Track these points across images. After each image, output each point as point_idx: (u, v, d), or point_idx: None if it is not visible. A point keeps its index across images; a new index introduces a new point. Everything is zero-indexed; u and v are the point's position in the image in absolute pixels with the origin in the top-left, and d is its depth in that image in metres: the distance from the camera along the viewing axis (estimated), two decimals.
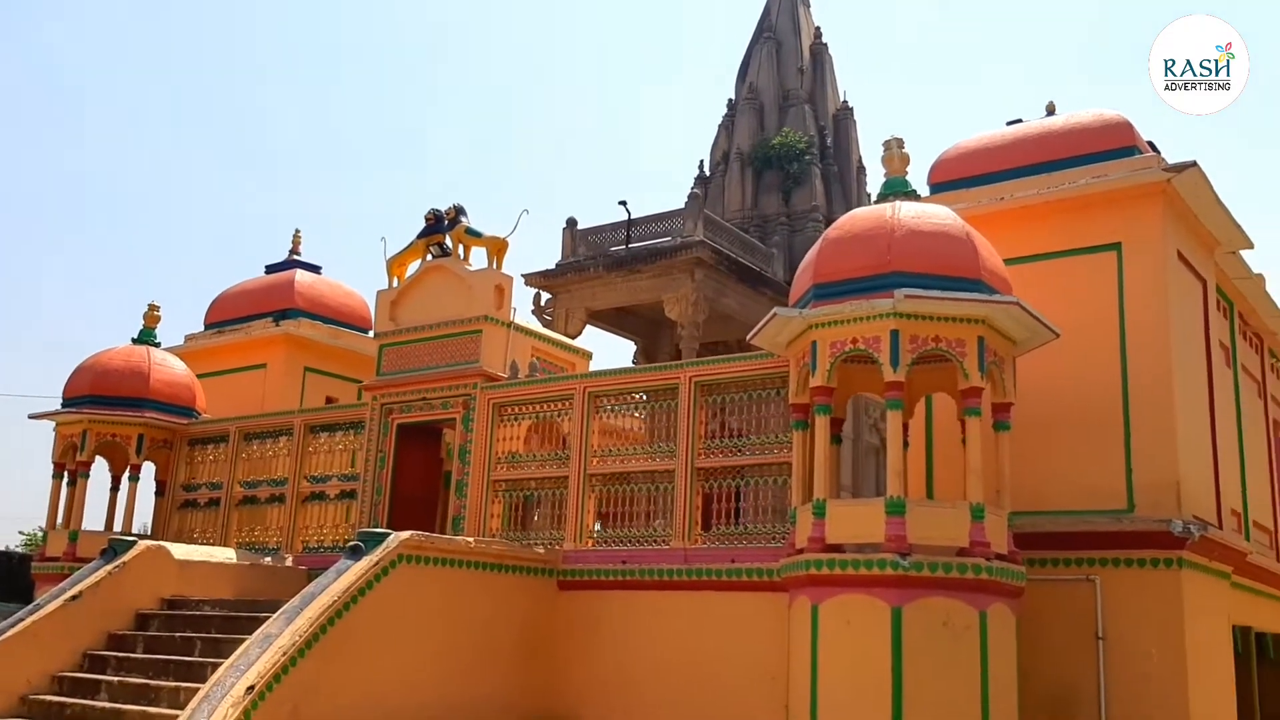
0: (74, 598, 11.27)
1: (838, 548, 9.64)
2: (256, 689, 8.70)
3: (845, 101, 28.16)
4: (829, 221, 23.89)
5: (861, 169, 27.37)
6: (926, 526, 9.45)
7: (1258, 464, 14.17)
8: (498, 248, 14.00)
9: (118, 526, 16.29)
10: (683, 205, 22.17)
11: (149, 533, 16.28)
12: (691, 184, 26.50)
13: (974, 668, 9.29)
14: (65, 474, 16.12)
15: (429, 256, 14.45)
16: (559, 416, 12.91)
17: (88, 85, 62.35)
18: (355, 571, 9.96)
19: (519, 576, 11.68)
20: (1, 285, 55.10)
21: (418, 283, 14.42)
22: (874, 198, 11.23)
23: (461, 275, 14.00)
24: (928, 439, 11.59)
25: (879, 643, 9.23)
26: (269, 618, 9.68)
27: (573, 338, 20.05)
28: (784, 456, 11.00)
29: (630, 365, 22.34)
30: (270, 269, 19.89)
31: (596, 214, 35.51)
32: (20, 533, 35.70)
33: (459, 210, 14.35)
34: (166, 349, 17.38)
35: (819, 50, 28.23)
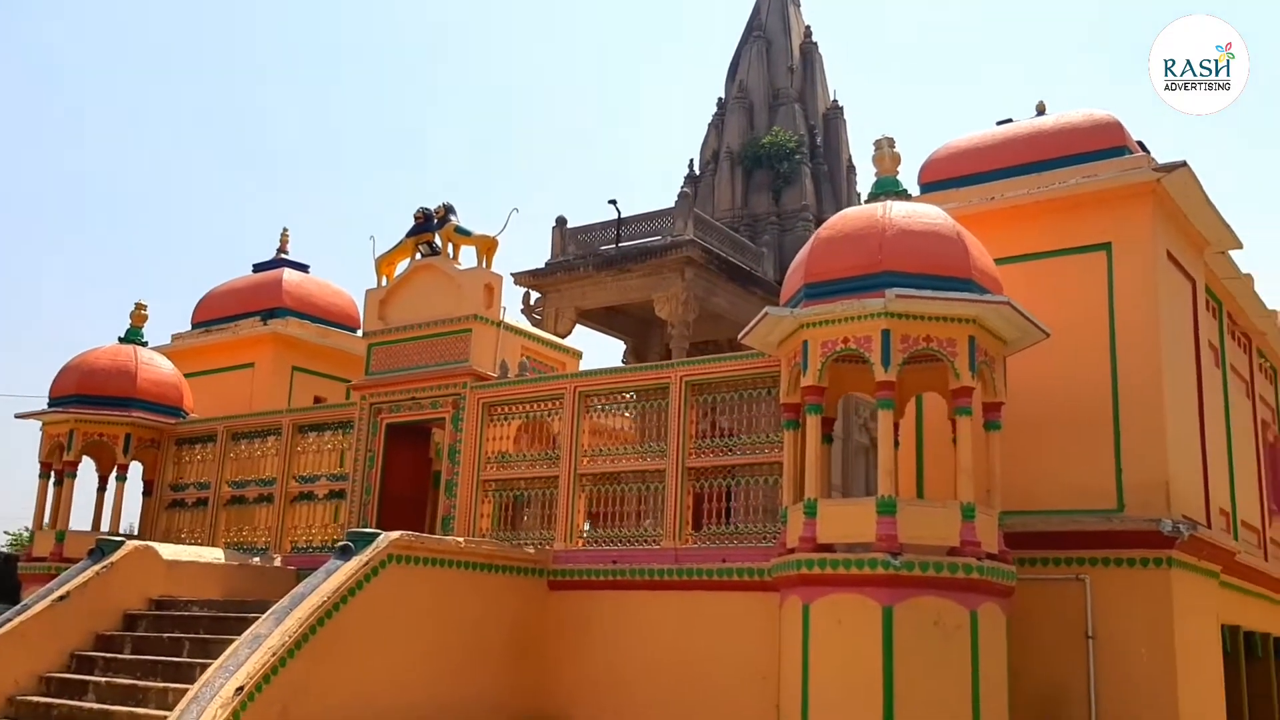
0: (62, 598, 11.21)
1: (829, 547, 9.64)
2: (246, 689, 8.66)
3: (835, 101, 28.18)
4: (819, 221, 23.89)
5: (851, 168, 27.38)
6: (917, 526, 9.45)
7: (1245, 464, 14.22)
8: (487, 246, 13.96)
9: (105, 526, 16.21)
10: (673, 204, 22.13)
11: (136, 533, 16.20)
12: (681, 183, 26.49)
13: (965, 667, 9.30)
14: (52, 474, 16.04)
15: (418, 255, 14.41)
16: (549, 416, 12.88)
17: (87, 85, 62.08)
18: (345, 572, 9.92)
19: (509, 576, 11.65)
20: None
21: (407, 282, 14.37)
22: (864, 197, 11.24)
23: (451, 274, 13.95)
24: (918, 438, 11.59)
25: (870, 642, 9.23)
26: (258, 618, 9.64)
27: (562, 337, 20.04)
28: (775, 456, 11.00)
29: (620, 365, 22.30)
30: (258, 268, 19.80)
31: (586, 213, 35.57)
32: (6, 533, 35.58)
33: (448, 209, 14.30)
34: (154, 348, 17.30)
35: (809, 49, 28.24)
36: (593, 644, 11.57)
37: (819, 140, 27.10)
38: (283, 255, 19.75)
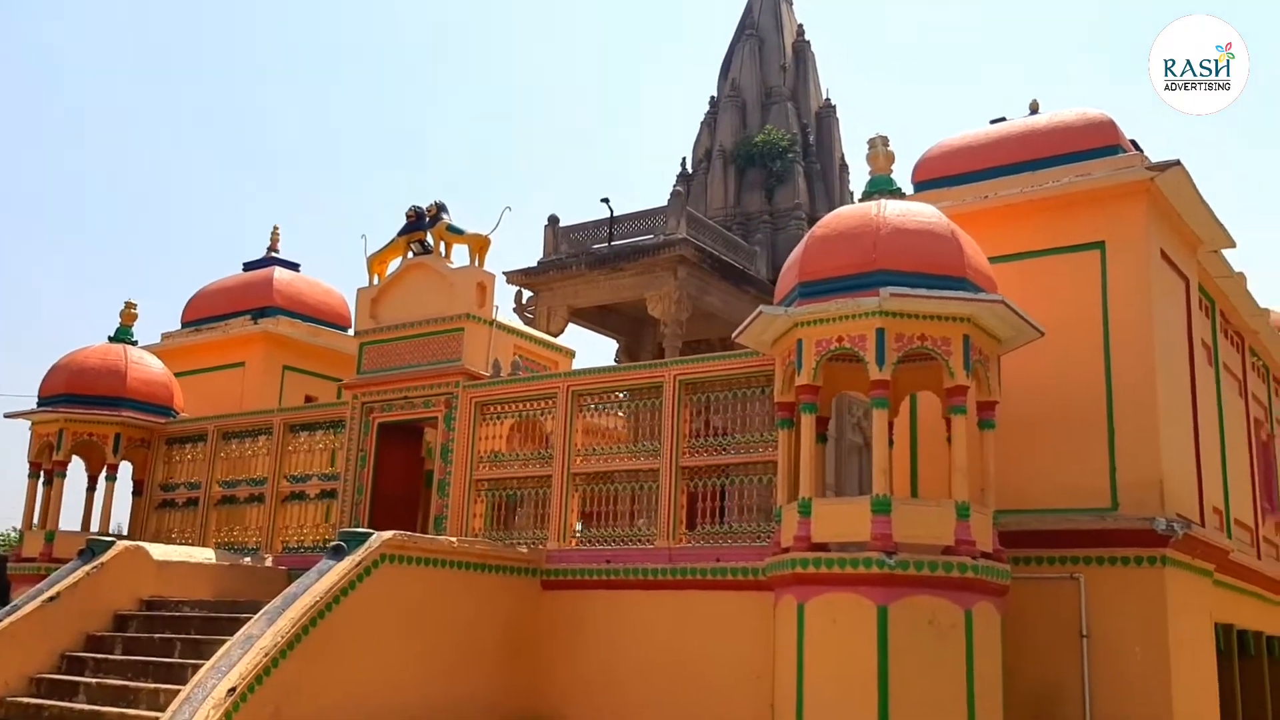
0: (52, 599, 11.14)
1: (823, 546, 9.62)
2: (238, 690, 8.61)
3: (828, 99, 28.17)
4: (812, 219, 23.92)
5: (844, 167, 27.37)
6: (912, 525, 9.44)
7: (1239, 462, 14.24)
8: (479, 245, 13.91)
9: (94, 527, 16.12)
10: (665, 203, 22.10)
11: (126, 533, 16.11)
12: (674, 181, 26.44)
13: (959, 666, 9.29)
14: (41, 474, 15.96)
15: (410, 254, 14.34)
16: (542, 415, 12.83)
17: (85, 85, 61.85)
18: (337, 571, 9.87)
19: (502, 576, 11.61)
20: None
21: (399, 280, 14.31)
22: (857, 196, 11.22)
23: (443, 273, 13.90)
24: (912, 437, 11.59)
25: (865, 641, 9.22)
26: (249, 618, 9.58)
27: (555, 336, 19.98)
28: (769, 455, 10.97)
29: (613, 364, 22.26)
30: (248, 266, 19.72)
31: (579, 212, 35.47)
32: None
33: (440, 207, 14.23)
34: (143, 347, 17.21)
35: (801, 48, 28.22)
36: (586, 644, 11.54)
37: (812, 139, 27.07)
38: (273, 254, 19.67)
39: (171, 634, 11.00)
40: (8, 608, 11.30)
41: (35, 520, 15.84)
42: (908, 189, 12.08)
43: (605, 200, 22.74)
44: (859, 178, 28.01)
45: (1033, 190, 11.66)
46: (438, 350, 13.59)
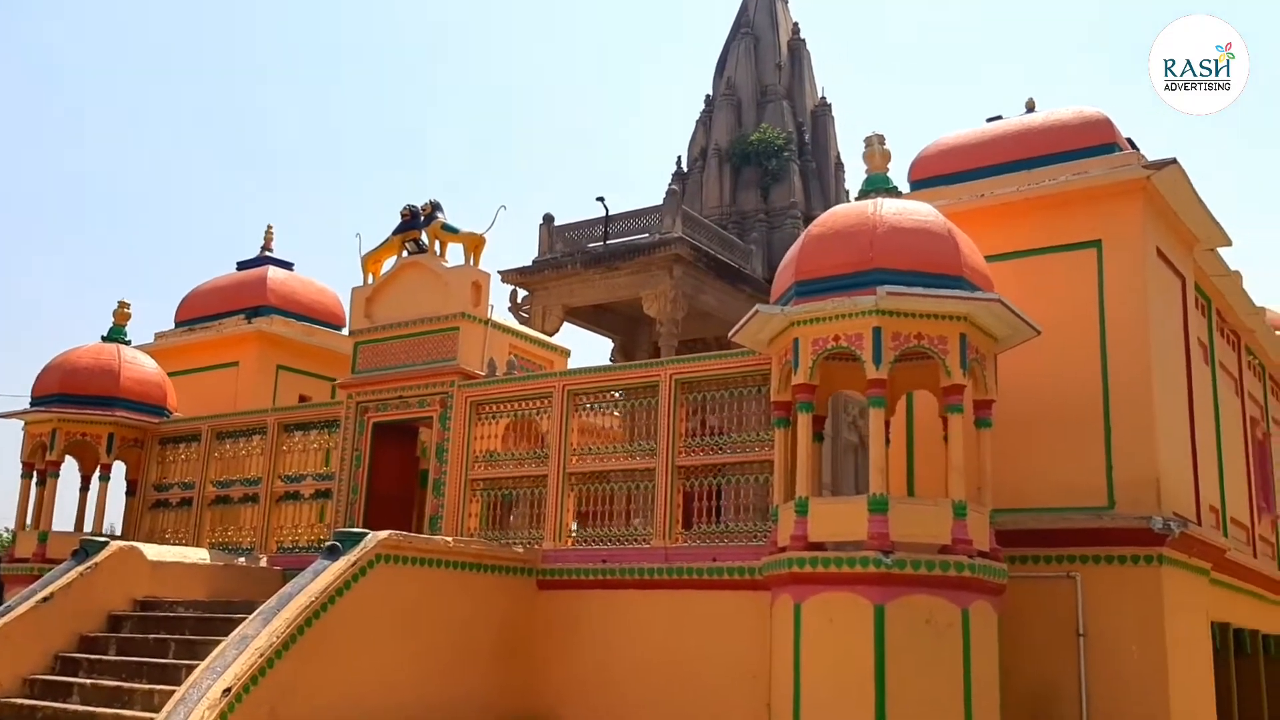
0: (45, 599, 11.09)
1: (820, 546, 9.60)
2: (233, 691, 8.58)
3: (823, 98, 28.10)
4: (808, 218, 23.86)
5: (840, 165, 27.31)
6: (909, 524, 9.42)
7: (1235, 461, 14.25)
8: (474, 244, 13.87)
9: (88, 527, 16.08)
10: (661, 202, 22.04)
11: (119, 533, 16.05)
12: (669, 180, 26.38)
13: (956, 665, 9.28)
14: (34, 474, 15.90)
15: (405, 253, 14.31)
16: (537, 415, 12.80)
17: (83, 84, 61.69)
18: (333, 571, 9.83)
19: (498, 576, 11.57)
20: None
21: (393, 279, 14.26)
22: (853, 195, 11.20)
23: (438, 272, 13.86)
24: (908, 436, 11.58)
25: (862, 641, 9.20)
26: (244, 619, 9.55)
27: (550, 335, 19.92)
28: (765, 454, 10.95)
29: (609, 363, 22.22)
30: (242, 265, 19.66)
31: (573, 211, 35.51)
32: None
33: (435, 206, 14.19)
34: (137, 347, 17.16)
35: (797, 46, 28.15)
36: (582, 643, 11.51)
37: (807, 137, 27.01)
38: (267, 253, 19.62)
39: (166, 634, 10.95)
40: (1, 608, 11.24)
41: (29, 521, 15.77)
42: (904, 188, 12.06)
43: (600, 199, 22.68)
44: (854, 176, 27.99)
45: (1029, 189, 11.65)
46: (433, 349, 13.55)
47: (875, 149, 10.96)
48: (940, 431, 10.35)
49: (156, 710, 8.94)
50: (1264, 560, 15.13)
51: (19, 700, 10.36)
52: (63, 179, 62.01)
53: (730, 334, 10.80)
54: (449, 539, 11.63)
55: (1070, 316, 11.12)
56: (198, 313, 18.87)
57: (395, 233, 14.37)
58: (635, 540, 11.62)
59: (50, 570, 11.90)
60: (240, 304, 18.33)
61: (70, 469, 16.19)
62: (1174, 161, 11.14)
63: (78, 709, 9.91)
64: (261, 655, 8.95)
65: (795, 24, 28.78)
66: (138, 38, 63.04)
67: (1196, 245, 12.77)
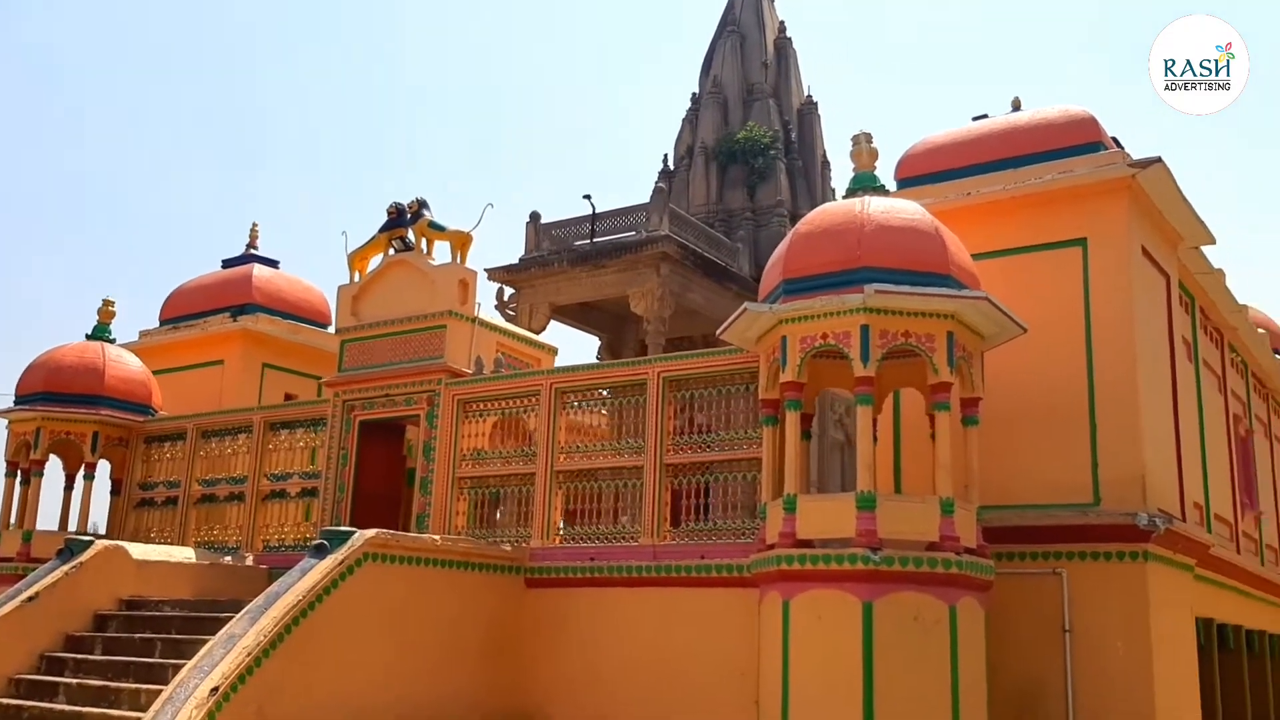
0: (31, 599, 11.02)
1: (808, 543, 9.62)
2: (221, 690, 8.55)
3: (809, 96, 28.16)
4: (794, 216, 23.90)
5: (826, 164, 27.37)
6: (897, 521, 9.45)
7: (1218, 457, 14.34)
8: (461, 242, 13.85)
9: (72, 526, 15.99)
10: (648, 200, 22.05)
11: (103, 532, 15.97)
12: (656, 178, 26.39)
13: (944, 661, 9.31)
14: (19, 473, 15.80)
15: (391, 251, 14.27)
16: (525, 413, 12.79)
17: (71, 82, 61.26)
18: (320, 570, 9.81)
19: (486, 574, 11.56)
20: None
21: (380, 277, 14.23)
22: (839, 193, 11.23)
23: (424, 270, 13.83)
24: (895, 434, 11.61)
25: (850, 637, 9.23)
26: (230, 618, 9.52)
27: (537, 333, 19.92)
28: (753, 452, 10.97)
29: (596, 361, 22.22)
30: (227, 263, 19.59)
31: (560, 209, 35.43)
32: None
33: (421, 204, 14.16)
34: (121, 345, 17.07)
35: (783, 45, 28.20)
36: (570, 641, 11.51)
37: (793, 136, 27.07)
38: (252, 251, 19.54)
39: (152, 634, 10.90)
40: None
41: (13, 520, 15.67)
42: (890, 186, 12.09)
43: (587, 197, 22.69)
44: (841, 175, 28.04)
45: (1015, 187, 11.70)
46: (420, 348, 13.53)
47: (862, 147, 10.99)
48: (927, 429, 10.38)
49: (143, 710, 8.90)
50: (1247, 556, 15.23)
51: (5, 700, 10.29)
52: (49, 177, 61.64)
53: (718, 332, 10.82)
54: (437, 537, 11.62)
55: (1056, 314, 11.17)
56: (183, 311, 18.79)
57: (381, 230, 14.33)
58: (623, 538, 11.63)
59: (35, 570, 11.83)
60: (225, 302, 18.25)
61: (54, 468, 16.10)
62: (1159, 160, 11.21)
63: (64, 709, 9.86)
64: (249, 654, 8.92)
65: (781, 23, 28.83)
66: (127, 35, 62.76)
67: (1181, 243, 12.85)
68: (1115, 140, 12.05)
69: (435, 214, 14.08)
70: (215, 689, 8.54)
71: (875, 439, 10.55)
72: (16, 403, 15.75)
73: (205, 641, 9.30)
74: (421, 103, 69.91)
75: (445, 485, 12.90)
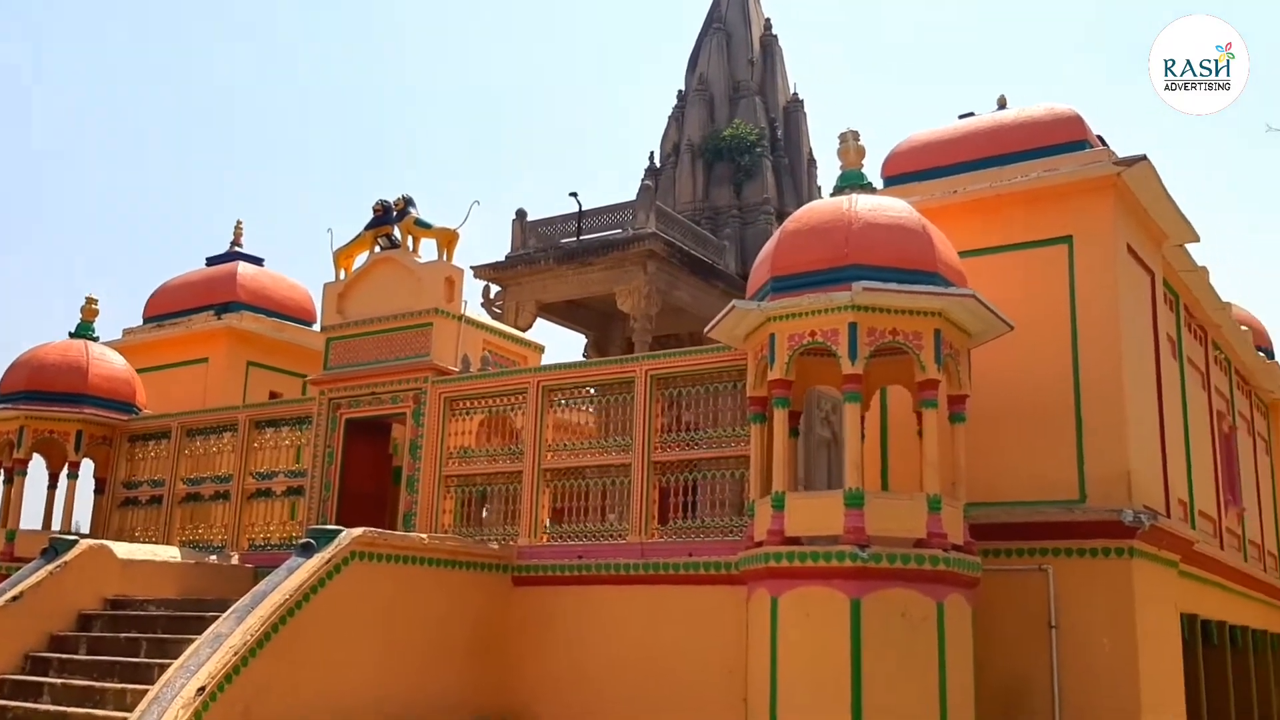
0: (15, 598, 10.95)
1: (796, 540, 9.64)
2: (208, 689, 8.51)
3: (796, 94, 28.20)
4: (780, 214, 23.92)
5: (812, 161, 27.40)
6: (885, 518, 9.48)
7: (1202, 454, 14.42)
8: (448, 239, 13.81)
9: (56, 525, 15.91)
10: (634, 197, 22.03)
11: (88, 531, 15.87)
12: (642, 175, 26.39)
13: (932, 658, 9.34)
14: (2, 471, 15.69)
15: (377, 248, 14.22)
16: (512, 411, 12.77)
17: (69, 80, 60.76)
18: (307, 569, 9.77)
19: (473, 573, 11.54)
20: None
21: (366, 275, 14.18)
22: (825, 190, 11.25)
23: (411, 267, 13.79)
24: (883, 431, 11.63)
25: (838, 634, 9.25)
26: (216, 617, 9.49)
27: (523, 331, 19.86)
28: (740, 450, 10.98)
29: (582, 359, 22.19)
30: (211, 261, 19.49)
31: (546, 206, 35.39)
32: None
33: (408, 201, 14.11)
34: (105, 343, 16.98)
35: (769, 42, 28.23)
36: (557, 640, 11.50)
37: (780, 133, 27.09)
38: (237, 248, 19.45)
39: (137, 633, 10.85)
40: None
41: None
42: (877, 184, 12.12)
43: (574, 194, 22.64)
44: (827, 173, 28.10)
45: (1001, 185, 11.75)
46: (406, 345, 13.49)
47: (850, 145, 11.00)
48: (914, 426, 10.41)
49: (129, 709, 8.86)
50: (1230, 552, 15.34)
51: None
52: (33, 173, 61.20)
53: (706, 329, 10.82)
54: (424, 536, 11.60)
55: (1042, 312, 11.22)
56: (167, 309, 18.70)
57: (368, 228, 14.29)
58: (611, 536, 11.62)
59: (19, 569, 11.77)
60: (210, 300, 18.18)
61: (38, 466, 16.00)
62: (1144, 158, 11.27)
63: (49, 709, 9.80)
64: (236, 653, 8.89)
65: (767, 20, 28.85)
66: (111, 32, 62.34)
67: (1165, 241, 12.92)
68: (1100, 139, 12.11)
69: (421, 211, 14.04)
70: (202, 689, 8.51)
71: (863, 436, 10.58)
72: None
73: (191, 641, 9.26)
74: (408, 100, 69.72)
75: (432, 484, 12.87)
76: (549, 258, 22.12)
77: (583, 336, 24.64)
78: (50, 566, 11.41)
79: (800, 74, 41.16)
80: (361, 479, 13.98)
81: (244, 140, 65.83)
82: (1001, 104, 13.12)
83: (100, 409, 15.65)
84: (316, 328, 16.21)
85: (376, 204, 14.24)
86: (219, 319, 17.75)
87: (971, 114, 13.26)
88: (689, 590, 10.87)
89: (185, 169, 62.72)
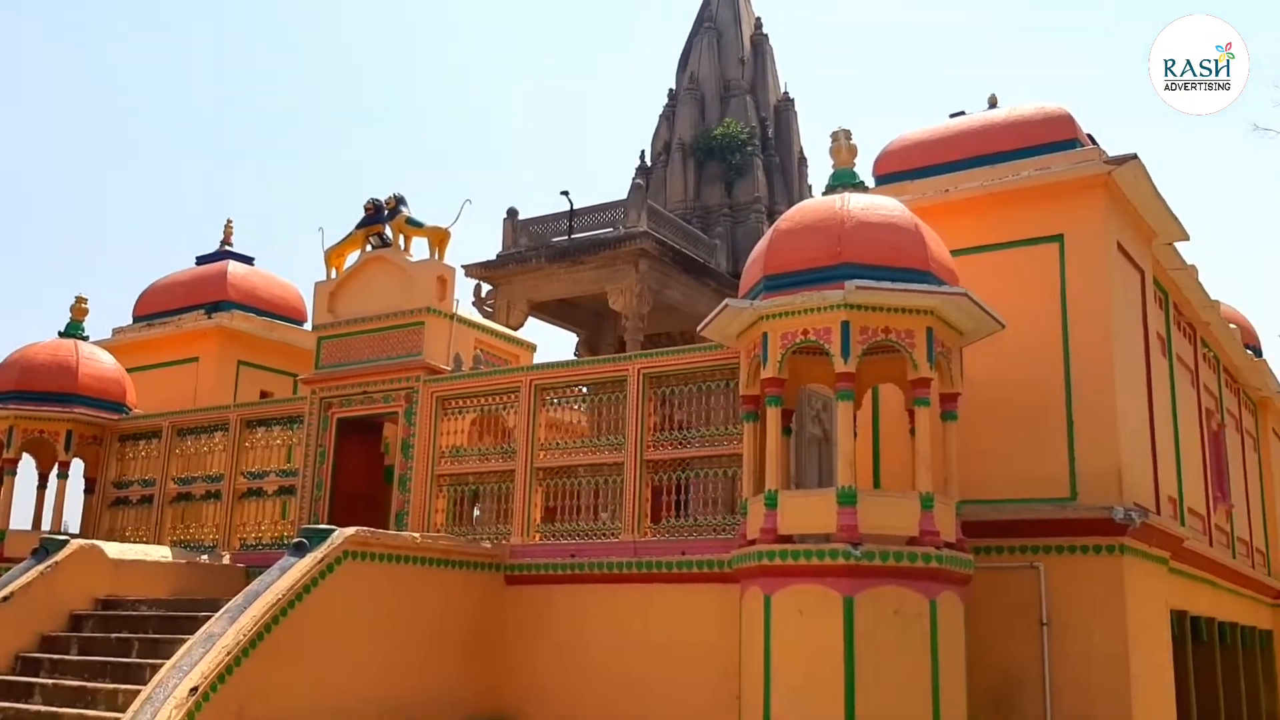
0: (5, 599, 10.92)
1: (789, 538, 9.66)
2: (200, 690, 8.49)
3: (786, 93, 28.22)
4: (771, 213, 23.95)
5: (803, 160, 27.42)
6: (877, 516, 9.50)
7: (1191, 452, 14.50)
8: (439, 238, 13.79)
9: (46, 525, 15.83)
10: (625, 196, 22.02)
11: (77, 531, 15.83)
12: (633, 174, 26.39)
13: (924, 654, 9.38)
14: None
15: (368, 247, 14.18)
16: (504, 410, 12.76)
17: (58, 79, 60.43)
18: (300, 568, 9.75)
19: (466, 572, 11.54)
20: None
21: (357, 274, 14.15)
22: (816, 189, 11.28)
23: (402, 266, 13.77)
24: (874, 429, 11.68)
25: (831, 632, 9.27)
26: (208, 617, 9.47)
27: (515, 330, 19.85)
28: (733, 448, 10.99)
29: (573, 357, 22.18)
30: (201, 260, 19.44)
31: (537, 205, 35.33)
32: None
33: (399, 200, 14.08)
34: (95, 343, 16.91)
35: (759, 41, 28.24)
36: (550, 638, 11.50)
37: (770, 132, 27.10)
38: (227, 247, 19.40)
39: (129, 633, 10.83)
40: None
41: None
42: (869, 183, 12.13)
43: (565, 193, 22.61)
44: (818, 171, 28.12)
45: (992, 184, 11.79)
46: (397, 344, 13.46)
47: (842, 144, 11.02)
48: (906, 424, 10.44)
49: (121, 710, 8.84)
50: (1219, 549, 15.43)
51: None
52: (22, 171, 60.90)
53: (699, 328, 10.83)
54: (416, 535, 11.59)
55: (1033, 310, 11.27)
56: (157, 308, 18.65)
57: (359, 227, 14.25)
58: (603, 535, 11.62)
59: (9, 569, 11.73)
60: (200, 299, 18.14)
61: (27, 466, 15.94)
62: (1134, 157, 11.32)
63: (40, 709, 9.77)
64: (229, 653, 8.87)
65: (758, 19, 28.86)
66: (99, 30, 62.06)
67: (1155, 239, 12.97)
68: (1091, 137, 12.16)
69: (412, 210, 14.01)
70: (195, 689, 8.49)
71: (855, 434, 10.60)
72: None
73: (183, 641, 9.25)
74: (398, 98, 69.55)
75: (424, 483, 12.86)
76: (540, 256, 22.10)
77: (574, 335, 24.62)
78: (41, 567, 11.37)
79: (791, 73, 41.15)
80: (353, 478, 13.95)
81: (234, 138, 65.61)
82: (992, 103, 13.16)
83: (90, 409, 15.60)
84: (307, 327, 16.19)
85: (368, 202, 14.21)
86: (209, 318, 17.71)
87: (962, 113, 13.31)
88: (682, 589, 10.88)
89: (175, 167, 62.50)
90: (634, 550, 11.26)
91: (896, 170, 12.60)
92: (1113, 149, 11.66)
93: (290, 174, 65.41)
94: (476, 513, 13.06)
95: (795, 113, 27.99)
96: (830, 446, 11.22)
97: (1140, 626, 10.92)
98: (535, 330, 23.50)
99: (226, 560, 13.52)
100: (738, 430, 10.89)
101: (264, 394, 17.14)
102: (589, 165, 64.07)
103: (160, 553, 12.91)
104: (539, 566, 11.77)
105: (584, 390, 12.57)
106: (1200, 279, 14.55)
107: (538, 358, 15.14)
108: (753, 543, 9.86)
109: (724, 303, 10.25)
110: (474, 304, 22.54)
